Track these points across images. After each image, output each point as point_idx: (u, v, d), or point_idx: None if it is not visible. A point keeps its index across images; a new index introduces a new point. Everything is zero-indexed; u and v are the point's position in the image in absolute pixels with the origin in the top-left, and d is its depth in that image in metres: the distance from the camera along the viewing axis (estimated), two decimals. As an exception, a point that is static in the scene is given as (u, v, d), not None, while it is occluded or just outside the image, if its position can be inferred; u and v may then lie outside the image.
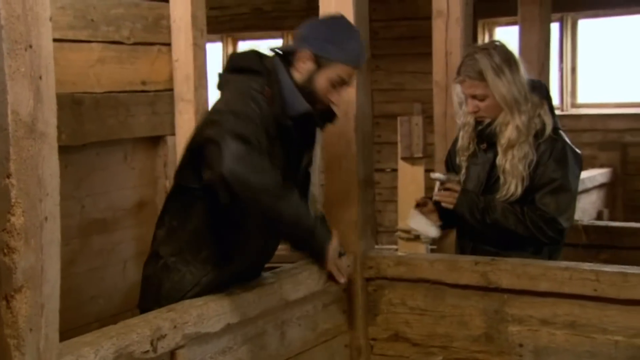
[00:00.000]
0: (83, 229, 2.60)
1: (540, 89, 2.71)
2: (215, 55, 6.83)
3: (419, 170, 3.22)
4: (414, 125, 3.18)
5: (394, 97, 5.74)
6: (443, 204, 2.74)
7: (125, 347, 1.77)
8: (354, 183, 2.70)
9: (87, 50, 2.62)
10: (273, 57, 2.26)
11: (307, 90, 2.22)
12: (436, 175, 2.81)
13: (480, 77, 2.59)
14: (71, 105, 2.47)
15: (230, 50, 6.99)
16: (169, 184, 3.02)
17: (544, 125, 2.62)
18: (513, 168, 2.60)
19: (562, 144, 2.64)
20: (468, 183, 2.75)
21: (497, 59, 2.59)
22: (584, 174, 4.52)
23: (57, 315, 1.57)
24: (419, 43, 5.26)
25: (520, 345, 2.46)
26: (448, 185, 2.74)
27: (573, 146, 2.71)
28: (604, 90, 5.77)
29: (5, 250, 1.47)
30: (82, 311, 2.44)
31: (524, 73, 2.65)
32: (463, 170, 2.79)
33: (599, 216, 4.45)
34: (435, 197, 2.76)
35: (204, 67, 3.30)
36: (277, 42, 6.89)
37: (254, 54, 2.27)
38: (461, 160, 2.80)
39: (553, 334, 2.41)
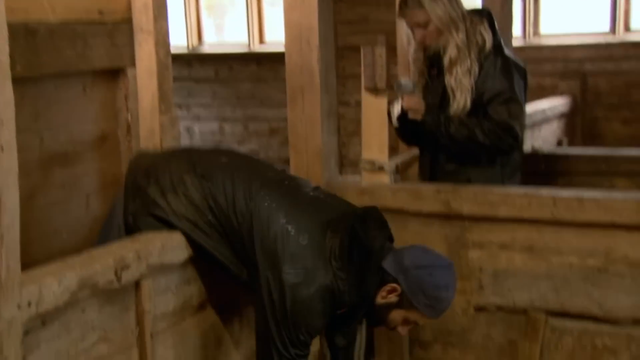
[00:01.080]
0: (43, 163, 2.55)
1: (482, 12, 2.86)
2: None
3: (382, 102, 3.21)
4: (378, 56, 3.15)
5: (358, 29, 5.69)
6: (410, 115, 2.83)
7: (89, 277, 1.78)
8: (317, 114, 2.70)
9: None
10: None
11: (379, 314, 2.14)
12: (404, 81, 2.85)
13: (419, 4, 2.74)
14: (25, 34, 2.39)
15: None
16: (130, 117, 2.98)
17: (484, 40, 2.76)
18: (459, 83, 2.74)
19: (505, 58, 2.76)
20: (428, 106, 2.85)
21: None
22: (545, 104, 4.58)
23: (18, 246, 1.56)
24: (382, -27, 5.20)
25: (480, 270, 2.53)
26: (410, 96, 2.84)
27: (516, 60, 2.82)
28: (566, 21, 5.80)
29: (-38, 181, 1.45)
30: (45, 245, 2.42)
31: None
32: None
33: (559, 144, 4.53)
34: (404, 104, 2.84)
35: (164, -2, 3.21)
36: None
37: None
38: (419, 86, 2.90)
39: (511, 258, 2.48)
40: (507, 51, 2.81)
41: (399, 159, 3.63)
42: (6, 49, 1.52)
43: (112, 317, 1.88)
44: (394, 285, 2.07)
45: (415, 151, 3.23)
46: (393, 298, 2.08)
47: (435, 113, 2.79)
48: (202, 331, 2.20)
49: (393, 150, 3.55)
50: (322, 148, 2.73)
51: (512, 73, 2.74)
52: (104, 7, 2.97)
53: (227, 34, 7.10)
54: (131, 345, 1.94)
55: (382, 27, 5.06)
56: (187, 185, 2.16)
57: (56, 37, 2.56)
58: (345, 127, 5.48)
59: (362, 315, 2.22)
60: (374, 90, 3.13)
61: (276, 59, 5.67)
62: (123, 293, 1.92)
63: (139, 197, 2.19)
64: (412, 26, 2.82)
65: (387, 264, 2.09)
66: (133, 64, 3.06)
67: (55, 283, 1.67)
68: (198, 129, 6.73)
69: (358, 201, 2.72)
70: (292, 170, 2.78)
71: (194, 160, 2.22)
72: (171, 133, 3.20)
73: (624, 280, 2.33)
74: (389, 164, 3.36)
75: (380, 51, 3.21)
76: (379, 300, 2.09)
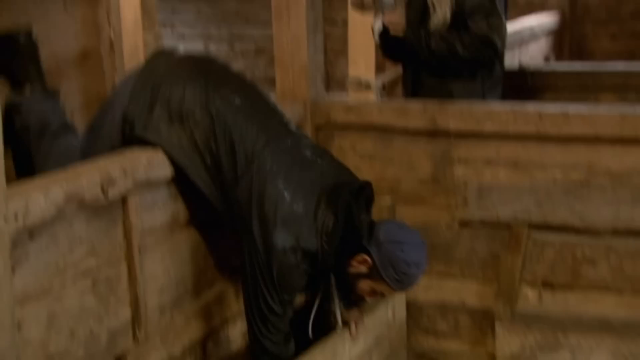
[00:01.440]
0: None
1: None
2: None
3: (368, 19, 3.18)
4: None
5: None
6: (392, 30, 2.83)
7: (75, 191, 1.78)
8: (303, 30, 2.66)
9: None
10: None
11: (348, 281, 2.18)
12: None
13: None
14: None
15: None
16: (113, 33, 2.93)
17: None
18: None
19: None
20: (409, 24, 2.86)
21: None
22: (533, 21, 4.53)
23: (2, 160, 1.55)
24: None
25: (465, 185, 2.56)
26: (390, 10, 2.85)
27: None
28: None
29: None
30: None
31: None
32: None
33: (546, 61, 4.51)
34: (385, 20, 2.84)
35: None
36: None
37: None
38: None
39: (496, 173, 2.51)
40: None
41: (385, 77, 3.61)
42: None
43: (99, 232, 1.90)
44: (366, 257, 2.11)
45: (400, 68, 3.21)
46: (363, 269, 2.12)
47: (415, 28, 2.79)
48: (190, 246, 2.23)
49: (380, 68, 3.53)
50: (307, 65, 2.70)
51: None
52: None
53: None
54: (119, 259, 1.96)
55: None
56: (196, 120, 2.12)
57: (33, -50, 2.50)
58: (332, 46, 5.42)
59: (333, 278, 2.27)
60: (361, 8, 3.08)
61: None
62: (110, 208, 1.93)
63: (143, 110, 2.14)
64: None
65: (364, 222, 2.13)
66: (114, -21, 2.98)
67: (41, 197, 1.67)
68: (183, 47, 6.63)
69: (344, 119, 2.72)
70: (278, 88, 2.77)
71: (209, 92, 2.15)
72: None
73: (605, 193, 2.37)
74: (375, 81, 3.35)
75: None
76: (350, 269, 2.14)
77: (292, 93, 2.71)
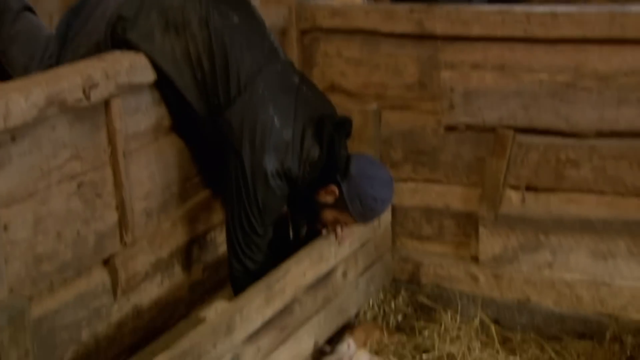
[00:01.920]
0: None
1: None
2: None
3: None
4: None
5: None
6: None
7: (57, 94, 1.75)
8: None
9: None
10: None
11: (314, 208, 2.23)
12: None
13: None
14: None
15: None
16: None
17: None
18: None
19: None
20: None
21: None
22: None
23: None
24: None
25: (452, 90, 2.54)
26: None
27: None
28: None
29: None
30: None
31: None
32: None
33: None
34: None
35: None
36: None
37: None
38: None
39: (482, 77, 2.49)
40: None
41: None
42: None
43: (83, 136, 1.88)
44: (335, 188, 2.17)
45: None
46: (330, 199, 2.20)
47: None
48: (175, 152, 2.22)
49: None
50: (292, -33, 2.63)
51: None
52: None
53: None
54: (104, 163, 1.96)
55: None
56: (193, 33, 2.09)
57: None
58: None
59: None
60: None
61: None
62: (93, 112, 1.91)
63: (140, 14, 2.09)
64: None
65: (340, 154, 2.19)
66: None
67: (22, 99, 1.65)
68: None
69: (330, 23, 2.67)
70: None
71: (209, 6, 2.12)
72: None
73: (591, 95, 2.36)
74: (361, -16, 3.26)
75: None
76: (319, 197, 2.21)
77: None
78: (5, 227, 1.65)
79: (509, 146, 2.47)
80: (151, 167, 2.14)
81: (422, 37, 2.55)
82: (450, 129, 2.59)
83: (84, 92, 1.84)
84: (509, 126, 2.48)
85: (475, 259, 2.60)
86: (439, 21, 2.51)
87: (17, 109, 1.64)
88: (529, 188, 2.51)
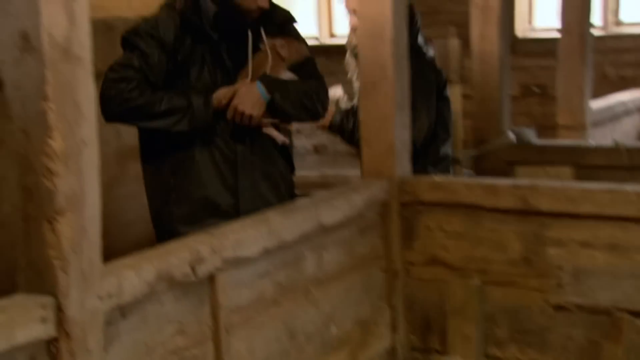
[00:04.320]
0: (120, 156, 2.61)
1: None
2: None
3: (454, 94, 3.17)
4: (451, 48, 3.11)
5: (428, 21, 5.60)
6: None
7: (166, 269, 1.79)
8: (390, 107, 2.66)
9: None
10: None
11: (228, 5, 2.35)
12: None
13: None
14: (104, 30, 2.44)
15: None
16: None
17: None
18: None
19: (413, 60, 2.80)
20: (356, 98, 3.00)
21: None
22: (626, 96, 4.41)
23: (99, 238, 1.58)
24: (454, -36, 5.10)
25: (560, 268, 2.45)
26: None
27: (429, 60, 3.01)
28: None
29: (47, 174, 1.48)
30: (121, 236, 2.47)
31: None
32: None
33: (640, 138, 4.37)
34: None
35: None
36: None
37: None
38: (352, 77, 3.08)
39: (593, 256, 2.39)
40: (430, 52, 2.97)
41: (472, 153, 3.56)
42: (89, 45, 1.54)
43: (188, 311, 1.90)
44: None
45: (489, 145, 3.16)
46: None
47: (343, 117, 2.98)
48: (276, 326, 2.20)
49: (465, 144, 3.48)
50: (394, 142, 2.69)
51: (416, 76, 2.84)
52: (178, 1, 2.99)
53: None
54: (207, 338, 1.95)
55: (454, 18, 4.99)
56: None
57: (133, 33, 2.61)
58: (414, 121, 5.40)
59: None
60: (448, 84, 3.08)
61: (345, 51, 5.64)
62: (198, 286, 1.93)
63: None
64: (349, 10, 2.91)
65: None
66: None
67: (134, 275, 1.69)
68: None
69: (431, 196, 2.68)
70: (364, 165, 2.76)
71: None
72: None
73: None
74: (461, 157, 3.30)
75: (454, 43, 3.16)
76: None
77: (378, 170, 2.70)
78: (108, 406, 1.64)
79: (625, 331, 2.32)
80: (252, 342, 2.12)
81: (527, 213, 2.50)
82: (559, 308, 2.46)
83: (191, 267, 1.87)
84: (624, 309, 2.34)
85: None
86: (544, 198, 2.47)
87: (129, 285, 1.68)
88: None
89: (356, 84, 3.01)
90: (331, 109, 2.95)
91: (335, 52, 6.43)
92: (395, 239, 2.70)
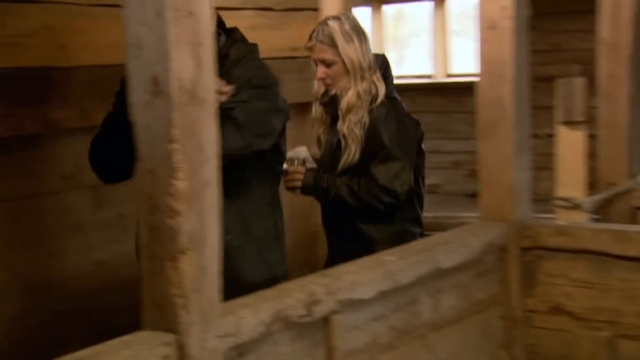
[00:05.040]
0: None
1: (378, 59, 2.85)
2: (364, 20, 6.78)
3: (579, 135, 3.03)
4: (576, 87, 2.99)
5: (551, 59, 5.45)
6: (287, 189, 2.88)
7: (283, 310, 1.79)
8: (510, 148, 2.58)
9: (239, 17, 2.66)
10: None
11: None
12: (289, 154, 2.84)
13: (331, 42, 2.73)
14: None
15: (377, 15, 6.91)
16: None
17: (377, 91, 2.78)
18: (350, 132, 2.76)
19: (393, 111, 2.80)
20: (324, 152, 2.91)
21: (347, 26, 2.75)
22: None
23: (218, 278, 1.60)
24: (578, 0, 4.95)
25: (699, 321, 2.26)
26: (292, 169, 2.86)
27: (406, 112, 2.88)
28: None
29: (170, 213, 1.52)
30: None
31: (370, 46, 2.82)
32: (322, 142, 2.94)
33: None
34: (283, 185, 2.85)
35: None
36: (424, 6, 6.73)
37: None
38: (319, 132, 2.91)
39: None
40: (399, 103, 2.87)
41: (598, 197, 3.38)
42: (213, 87, 1.58)
43: (302, 352, 1.88)
44: None
45: (617, 188, 2.99)
46: None
47: (316, 181, 2.82)
48: (387, 371, 2.15)
49: (591, 187, 3.32)
50: (514, 184, 2.60)
51: (396, 127, 2.78)
52: (296, 43, 3.08)
53: (408, 65, 7.12)
54: (319, 381, 1.93)
55: (578, 55, 4.83)
56: None
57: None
58: (535, 161, 5.23)
59: None
60: (571, 124, 2.95)
61: (461, 90, 5.58)
62: (313, 328, 1.92)
63: None
64: (317, 61, 2.79)
65: None
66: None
67: (251, 315, 1.70)
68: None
69: (554, 242, 2.56)
70: (483, 207, 2.67)
71: None
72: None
73: None
74: (586, 202, 3.15)
75: (579, 82, 3.03)
76: None
77: (497, 213, 2.61)
78: None
79: None
80: (364, 387, 2.07)
81: (660, 262, 2.34)
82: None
83: (306, 308, 1.86)
84: None
85: None
86: (680, 246, 2.30)
87: (247, 325, 1.69)
88: None
89: (323, 137, 2.92)
90: (299, 169, 2.86)
91: (450, 91, 6.40)
92: (515, 285, 2.59)
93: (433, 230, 3.07)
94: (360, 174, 2.80)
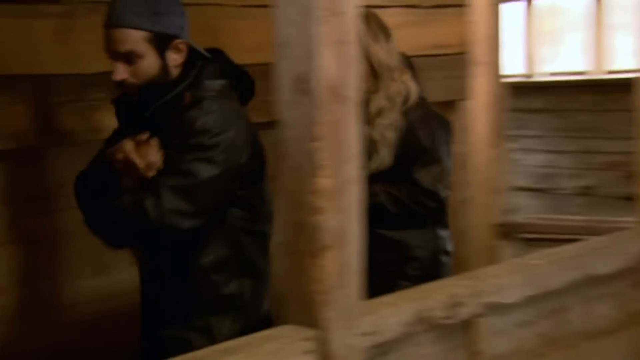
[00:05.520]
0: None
1: (404, 59, 2.67)
2: (516, 15, 6.57)
3: None
4: None
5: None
6: None
7: (425, 310, 1.76)
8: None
9: (385, 15, 2.65)
10: None
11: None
12: None
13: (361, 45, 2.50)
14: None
15: (530, 10, 6.67)
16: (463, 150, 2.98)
17: (409, 92, 2.59)
18: (382, 136, 2.56)
19: (428, 112, 2.64)
20: None
21: (373, 24, 2.57)
22: None
23: (360, 276, 1.60)
24: None
25: None
26: None
27: (439, 113, 2.71)
28: None
29: (312, 211, 1.53)
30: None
31: (395, 44, 2.62)
32: None
33: None
34: None
35: (499, 29, 3.17)
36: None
37: None
38: None
39: None
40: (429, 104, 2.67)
41: None
42: (356, 86, 1.58)
43: (444, 355, 1.85)
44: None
45: None
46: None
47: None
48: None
49: None
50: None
51: (434, 128, 2.63)
52: (442, 41, 3.03)
53: (561, 62, 6.81)
54: (462, 386, 1.88)
55: None
56: None
57: (397, 73, 2.66)
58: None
59: None
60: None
61: (618, 87, 5.26)
62: (455, 331, 1.88)
63: None
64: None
65: None
66: (466, 96, 3.06)
67: (393, 315, 1.69)
68: (527, 161, 6.52)
69: None
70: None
71: None
72: (500, 167, 3.12)
73: None
74: None
75: None
76: None
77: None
78: None
79: None
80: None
81: None
82: None
83: (449, 310, 1.83)
84: None
85: None
86: None
87: (388, 324, 1.68)
88: None
89: None
90: None
91: (607, 88, 6.05)
92: (679, 296, 2.40)
93: (586, 234, 2.91)
94: (392, 179, 2.60)
